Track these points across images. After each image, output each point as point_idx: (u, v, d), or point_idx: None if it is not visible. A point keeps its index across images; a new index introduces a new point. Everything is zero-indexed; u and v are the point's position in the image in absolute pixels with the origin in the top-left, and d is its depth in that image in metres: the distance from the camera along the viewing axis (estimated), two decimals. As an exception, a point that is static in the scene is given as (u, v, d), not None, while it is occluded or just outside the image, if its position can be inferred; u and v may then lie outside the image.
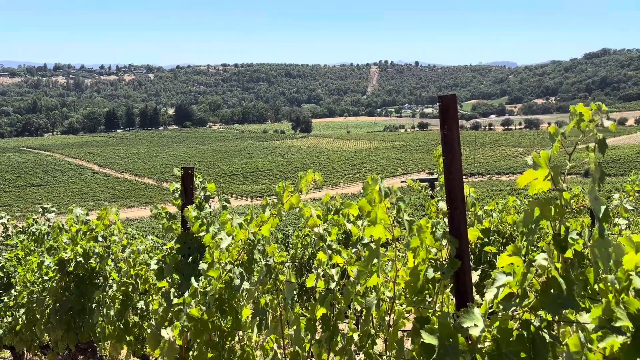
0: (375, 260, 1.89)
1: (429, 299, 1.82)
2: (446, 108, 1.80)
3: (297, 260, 6.18)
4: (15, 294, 4.87)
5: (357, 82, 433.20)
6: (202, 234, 2.74)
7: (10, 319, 5.01)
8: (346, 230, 2.18)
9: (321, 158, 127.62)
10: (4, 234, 6.01)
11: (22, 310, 4.72)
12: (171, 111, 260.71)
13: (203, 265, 2.71)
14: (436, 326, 1.54)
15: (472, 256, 5.40)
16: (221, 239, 2.53)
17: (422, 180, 3.94)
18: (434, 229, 1.79)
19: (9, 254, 5.92)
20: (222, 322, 2.65)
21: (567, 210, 1.35)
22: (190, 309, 2.61)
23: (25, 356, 6.26)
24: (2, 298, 5.57)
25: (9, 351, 6.56)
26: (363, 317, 2.12)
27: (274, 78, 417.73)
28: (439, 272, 1.78)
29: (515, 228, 5.08)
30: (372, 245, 1.91)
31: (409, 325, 1.93)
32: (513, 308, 1.47)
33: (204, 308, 2.59)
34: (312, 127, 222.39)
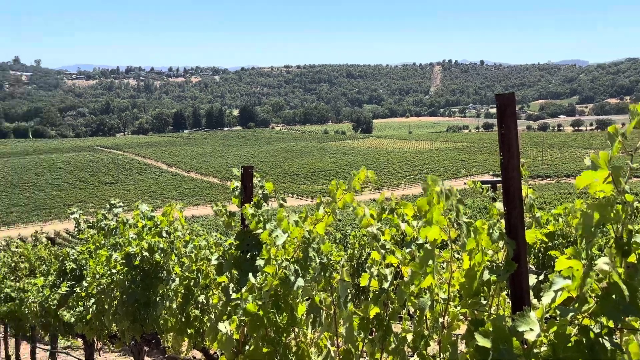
0: (430, 262, 1.87)
1: (484, 302, 1.79)
2: (504, 107, 1.76)
3: (354, 260, 6.19)
4: (86, 285, 5.14)
5: (419, 81, 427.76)
6: (259, 231, 2.80)
7: (81, 309, 5.29)
8: (401, 231, 2.17)
9: (381, 159, 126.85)
10: (76, 229, 6.32)
11: (92, 301, 4.98)
12: (236, 112, 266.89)
13: (260, 262, 2.77)
14: (491, 329, 1.51)
15: (535, 260, 5.22)
16: (277, 236, 2.58)
17: (483, 182, 3.85)
18: (490, 231, 1.75)
19: (82, 247, 6.26)
20: (277, 318, 2.69)
21: (629, 213, 1.28)
22: (247, 304, 2.67)
23: (95, 345, 6.59)
24: (74, 288, 5.89)
25: (80, 339, 6.93)
26: (417, 318, 2.10)
27: (336, 79, 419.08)
28: (494, 275, 1.74)
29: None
30: (427, 246, 1.89)
31: (463, 328, 1.90)
32: (572, 313, 1.42)
33: (260, 303, 2.64)
34: (373, 127, 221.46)
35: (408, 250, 2.13)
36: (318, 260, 2.58)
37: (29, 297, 7.31)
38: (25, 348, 11.33)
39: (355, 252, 6.34)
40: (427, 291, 2.03)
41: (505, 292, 1.87)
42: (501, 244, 1.74)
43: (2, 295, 9.56)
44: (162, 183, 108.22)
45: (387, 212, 2.26)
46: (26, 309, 7.40)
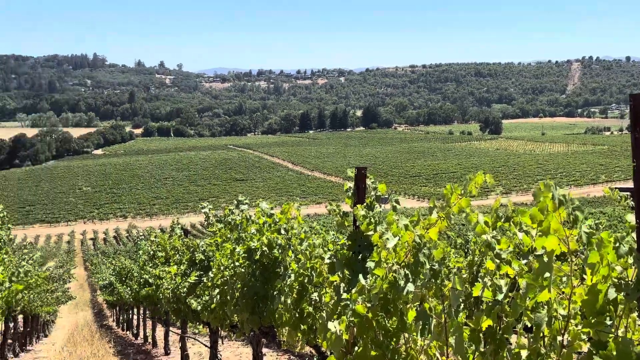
0: (547, 274, 1.74)
1: (609, 322, 1.62)
2: (638, 108, 1.59)
3: (474, 267, 5.94)
4: (212, 275, 5.47)
5: (554, 80, 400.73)
6: (370, 233, 2.79)
7: (207, 298, 5.64)
8: (518, 240, 2.04)
9: (511, 161, 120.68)
10: (206, 222, 6.74)
11: (217, 291, 5.29)
12: (359, 113, 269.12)
13: (370, 264, 2.75)
14: (614, 353, 1.37)
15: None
16: (387, 239, 2.55)
17: (621, 190, 3.51)
18: (617, 244, 1.59)
19: (210, 240, 6.67)
20: (386, 321, 2.67)
21: None
22: (357, 305, 2.68)
23: (219, 332, 7.00)
24: (202, 278, 6.30)
25: (206, 326, 7.40)
26: (533, 334, 1.97)
27: (463, 78, 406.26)
28: (622, 293, 1.58)
29: None
30: (544, 257, 1.76)
31: (585, 349, 1.75)
32: None
33: (369, 305, 2.63)
34: (502, 128, 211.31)
35: (525, 261, 2.00)
36: (429, 266, 2.52)
37: (164, 283, 7.95)
38: (160, 330, 12.36)
39: (476, 259, 6.09)
40: (545, 306, 1.89)
41: (635, 314, 1.69)
42: (630, 259, 1.57)
43: (142, 280, 10.51)
44: (287, 181, 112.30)
45: (503, 220, 2.14)
46: (161, 295, 8.06)
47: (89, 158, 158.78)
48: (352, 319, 2.66)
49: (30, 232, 77.87)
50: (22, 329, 12.80)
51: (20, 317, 13.37)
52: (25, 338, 12.61)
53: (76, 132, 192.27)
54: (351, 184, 3.30)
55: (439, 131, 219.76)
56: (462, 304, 2.52)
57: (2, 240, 7.41)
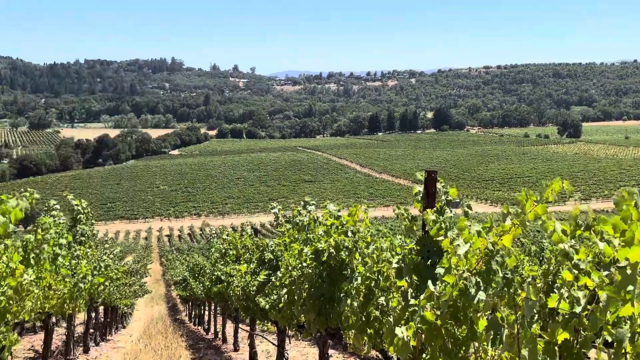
0: (631, 287, 1.64)
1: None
2: None
3: (549, 277, 5.69)
4: (280, 275, 5.56)
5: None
6: (440, 238, 2.73)
7: (275, 297, 5.73)
8: (599, 250, 1.93)
9: (590, 166, 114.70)
10: (275, 222, 6.85)
11: (285, 290, 5.36)
12: (430, 115, 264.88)
13: (440, 270, 2.70)
14: None
15: None
16: (458, 245, 2.49)
17: None
18: None
19: (278, 240, 6.78)
20: (455, 329, 2.61)
21: None
22: (425, 311, 2.63)
23: (287, 332, 7.09)
24: (271, 277, 6.41)
25: (274, 325, 7.52)
26: (614, 350, 1.86)
27: (540, 79, 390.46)
28: None
29: None
30: (628, 269, 1.66)
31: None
32: None
33: (438, 312, 2.58)
34: (581, 131, 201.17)
35: (606, 272, 1.89)
36: (502, 274, 2.43)
37: (234, 281, 8.15)
38: (230, 326, 12.68)
39: (551, 268, 5.83)
40: (628, 321, 1.78)
41: None
42: None
43: (213, 277, 10.82)
44: (355, 183, 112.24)
45: (582, 229, 2.03)
46: (231, 292, 8.27)
47: (166, 158, 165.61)
48: (421, 325, 2.62)
49: (110, 228, 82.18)
50: (102, 319, 13.52)
51: (101, 309, 14.13)
52: (106, 328, 13.31)
53: (155, 133, 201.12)
54: (421, 188, 3.25)
55: (514, 134, 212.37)
56: (537, 315, 2.42)
57: (86, 235, 7.86)
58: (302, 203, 6.35)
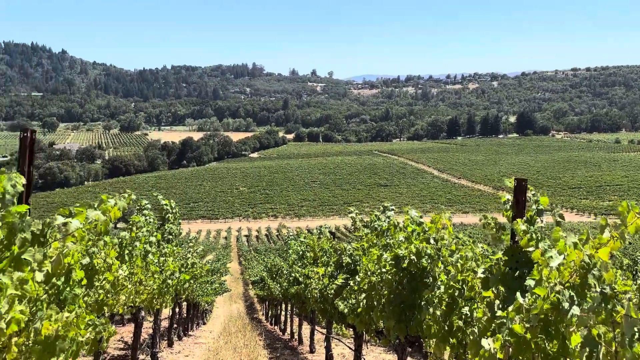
0: None
1: None
2: None
3: (646, 293, 5.34)
4: (358, 279, 5.56)
5: None
6: (530, 249, 2.64)
7: (353, 301, 5.74)
8: None
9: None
10: (352, 226, 6.86)
11: (363, 295, 5.36)
12: (512, 119, 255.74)
13: (530, 282, 2.61)
14: None
15: None
16: (551, 257, 2.40)
17: None
18: None
19: (356, 244, 6.79)
20: (546, 344, 2.51)
21: None
22: (514, 324, 2.55)
23: (364, 337, 7.08)
24: (349, 281, 6.43)
25: (351, 329, 7.53)
26: None
27: (634, 81, 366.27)
28: None
29: None
30: None
31: None
32: None
33: (527, 326, 2.49)
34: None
35: None
36: (599, 289, 2.31)
37: (312, 283, 8.25)
38: (306, 328, 12.83)
39: (648, 283, 5.46)
40: None
41: None
42: None
43: (291, 278, 11.00)
44: (432, 188, 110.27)
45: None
46: (308, 294, 8.37)
47: (245, 160, 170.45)
48: (509, 338, 2.54)
49: (193, 227, 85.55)
50: (185, 315, 14.09)
51: (184, 305, 14.74)
52: (187, 324, 13.86)
53: (235, 137, 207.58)
54: (509, 196, 3.15)
55: (604, 139, 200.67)
56: (637, 334, 2.28)
57: (173, 233, 8.23)
58: (381, 208, 6.33)
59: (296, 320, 13.28)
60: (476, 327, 3.11)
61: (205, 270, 12.89)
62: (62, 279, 3.42)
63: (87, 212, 2.76)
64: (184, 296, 10.90)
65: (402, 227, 4.84)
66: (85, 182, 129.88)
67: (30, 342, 2.71)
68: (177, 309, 11.53)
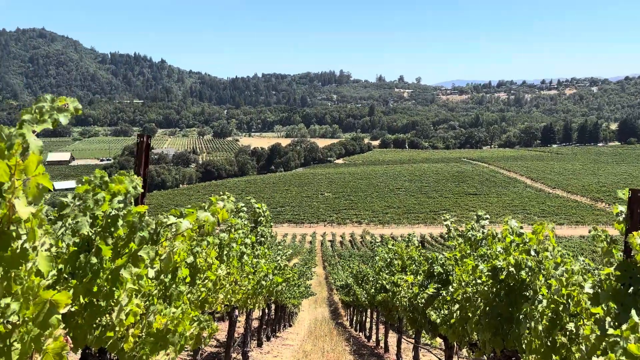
0: None
1: None
2: None
3: None
4: (451, 290, 5.44)
5: None
6: (649, 265, 2.47)
7: (446, 312, 5.63)
8: None
9: None
10: (446, 235, 6.74)
11: (457, 306, 5.24)
12: (614, 126, 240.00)
13: (647, 300, 2.45)
14: None
15: None
16: (674, 274, 2.23)
17: None
18: None
19: (449, 254, 6.65)
20: (666, 368, 2.34)
21: None
22: (629, 344, 2.40)
23: (455, 348, 6.91)
24: (440, 291, 6.31)
25: (441, 340, 7.38)
26: None
27: None
28: None
29: None
30: None
31: None
32: None
33: (644, 347, 2.34)
34: None
35: None
36: None
37: (400, 291, 8.17)
38: (392, 336, 12.71)
39: None
40: None
41: None
42: None
43: (378, 285, 10.96)
44: (525, 198, 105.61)
45: None
46: (397, 302, 8.30)
47: (331, 166, 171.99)
48: (623, 358, 2.39)
49: (279, 230, 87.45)
50: (273, 316, 14.43)
51: (272, 306, 15.10)
52: (275, 325, 14.18)
53: (321, 143, 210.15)
54: (622, 208, 2.97)
55: None
56: None
57: (265, 236, 8.47)
58: (475, 217, 6.17)
59: (382, 327, 13.20)
60: (583, 344, 2.96)
61: (296, 273, 13.14)
62: (169, 276, 3.63)
63: (198, 214, 2.92)
64: (273, 298, 11.17)
65: (500, 238, 4.70)
66: (180, 185, 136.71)
67: (143, 334, 2.90)
68: (266, 310, 11.83)
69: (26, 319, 1.82)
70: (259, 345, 10.64)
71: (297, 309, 24.07)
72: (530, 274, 4.10)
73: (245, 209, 6.66)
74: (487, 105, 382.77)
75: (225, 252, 5.25)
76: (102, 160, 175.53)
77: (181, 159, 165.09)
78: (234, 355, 8.35)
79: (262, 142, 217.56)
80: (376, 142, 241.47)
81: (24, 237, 1.77)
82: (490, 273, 4.47)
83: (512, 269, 4.22)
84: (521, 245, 4.28)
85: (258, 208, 8.49)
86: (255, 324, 12.54)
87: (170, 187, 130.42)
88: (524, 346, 3.86)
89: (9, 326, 1.79)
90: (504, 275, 4.28)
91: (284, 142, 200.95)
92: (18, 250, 1.76)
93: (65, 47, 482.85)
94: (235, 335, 10.98)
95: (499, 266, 4.33)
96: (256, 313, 14.53)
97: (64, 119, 1.81)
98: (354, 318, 20.97)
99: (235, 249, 5.81)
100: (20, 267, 1.79)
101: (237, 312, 6.77)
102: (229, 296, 5.48)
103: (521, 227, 4.40)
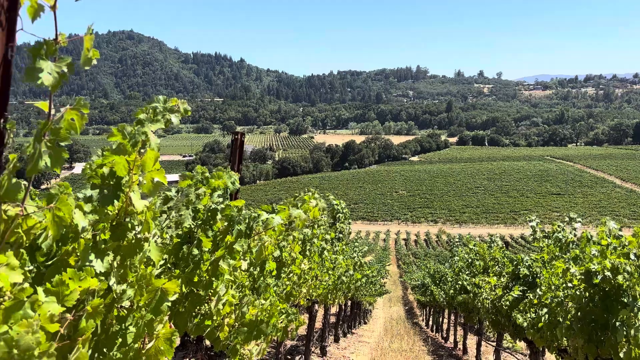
0: None
1: None
2: None
3: None
4: (540, 293, 5.25)
5: None
6: None
7: (533, 315, 5.44)
8: None
9: None
10: (532, 236, 6.50)
11: (545, 310, 5.05)
12: None
13: None
14: None
15: None
16: None
17: None
18: None
19: (536, 255, 6.41)
20: None
21: None
22: None
23: (540, 353, 6.66)
24: (526, 294, 6.11)
25: (525, 344, 7.13)
26: None
27: None
28: None
29: None
30: None
31: None
32: None
33: None
34: None
35: None
36: None
37: (482, 293, 7.97)
38: (471, 338, 12.43)
39: None
40: None
41: None
42: None
43: (457, 286, 10.75)
44: (614, 199, 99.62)
45: None
46: (479, 303, 8.11)
47: (406, 164, 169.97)
48: None
49: (353, 227, 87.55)
50: (349, 313, 14.51)
51: (348, 303, 15.18)
52: (351, 322, 14.25)
53: (396, 140, 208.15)
54: None
55: None
56: None
57: (343, 233, 8.54)
58: (567, 219, 5.92)
59: (460, 329, 12.94)
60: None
61: (374, 271, 13.14)
62: (258, 268, 3.76)
63: (290, 211, 3.00)
64: (350, 294, 11.24)
65: (595, 240, 4.48)
66: (257, 181, 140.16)
67: (237, 324, 3.03)
68: (342, 306, 11.92)
69: (140, 305, 1.95)
70: (336, 340, 10.74)
71: (371, 307, 24.04)
72: (628, 278, 3.88)
73: (325, 205, 6.74)
74: (573, 100, 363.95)
75: (307, 247, 5.35)
76: (184, 157, 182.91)
77: (258, 156, 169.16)
78: (312, 349, 8.49)
79: (336, 139, 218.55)
80: (453, 139, 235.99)
81: (138, 229, 1.90)
82: (583, 277, 4.28)
83: (607, 273, 4.02)
84: (619, 249, 4.06)
85: (337, 205, 8.57)
86: (332, 319, 12.67)
87: (247, 183, 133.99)
88: (621, 355, 3.67)
89: (124, 311, 1.93)
90: (599, 280, 4.08)
91: (358, 139, 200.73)
92: (133, 241, 1.89)
93: (151, 47, 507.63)
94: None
95: (594, 270, 4.13)
96: (333, 309, 14.68)
97: (175, 119, 1.92)
98: (431, 318, 20.67)
99: (316, 244, 5.90)
100: (134, 257, 1.92)
101: (316, 306, 6.87)
102: (311, 290, 5.58)
103: (620, 229, 4.18)
